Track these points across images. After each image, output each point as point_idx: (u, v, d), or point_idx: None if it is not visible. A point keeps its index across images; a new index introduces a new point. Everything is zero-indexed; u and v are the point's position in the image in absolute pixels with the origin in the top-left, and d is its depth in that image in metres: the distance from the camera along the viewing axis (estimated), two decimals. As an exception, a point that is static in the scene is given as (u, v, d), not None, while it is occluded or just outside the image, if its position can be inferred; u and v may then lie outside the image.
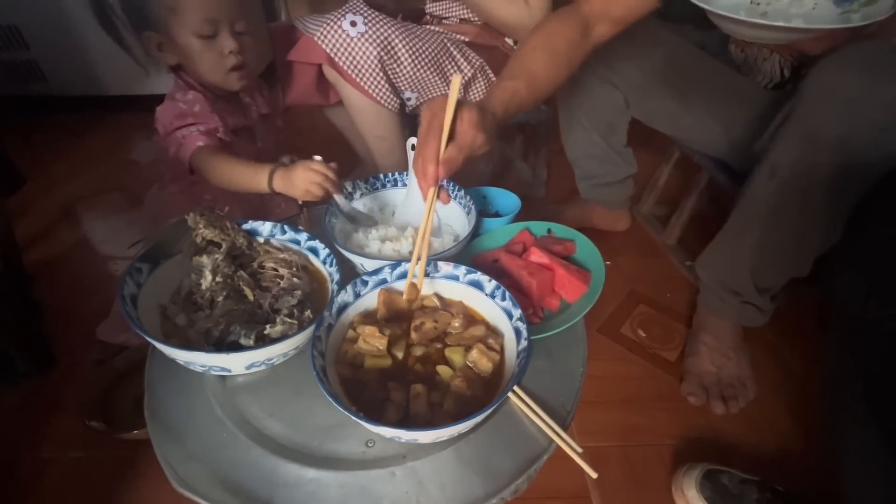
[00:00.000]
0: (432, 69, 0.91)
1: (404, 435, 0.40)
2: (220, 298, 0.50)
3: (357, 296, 0.52)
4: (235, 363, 0.46)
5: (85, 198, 1.33)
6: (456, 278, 0.55)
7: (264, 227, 0.61)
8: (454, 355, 0.48)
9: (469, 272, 0.54)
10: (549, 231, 0.70)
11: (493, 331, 0.51)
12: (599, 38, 0.69)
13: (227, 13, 0.70)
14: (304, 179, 0.62)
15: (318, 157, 0.64)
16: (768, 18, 0.55)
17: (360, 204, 0.73)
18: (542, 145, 1.19)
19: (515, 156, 1.45)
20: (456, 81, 0.50)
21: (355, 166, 1.24)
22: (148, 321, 0.49)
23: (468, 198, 0.68)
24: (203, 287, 0.51)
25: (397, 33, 0.86)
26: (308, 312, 0.51)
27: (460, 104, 0.51)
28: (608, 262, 1.08)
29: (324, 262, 0.58)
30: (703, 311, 0.88)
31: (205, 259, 0.53)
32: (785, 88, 0.80)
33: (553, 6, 0.90)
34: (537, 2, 0.88)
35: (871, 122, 0.51)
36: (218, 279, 0.52)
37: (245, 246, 0.57)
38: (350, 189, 0.71)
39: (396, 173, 0.75)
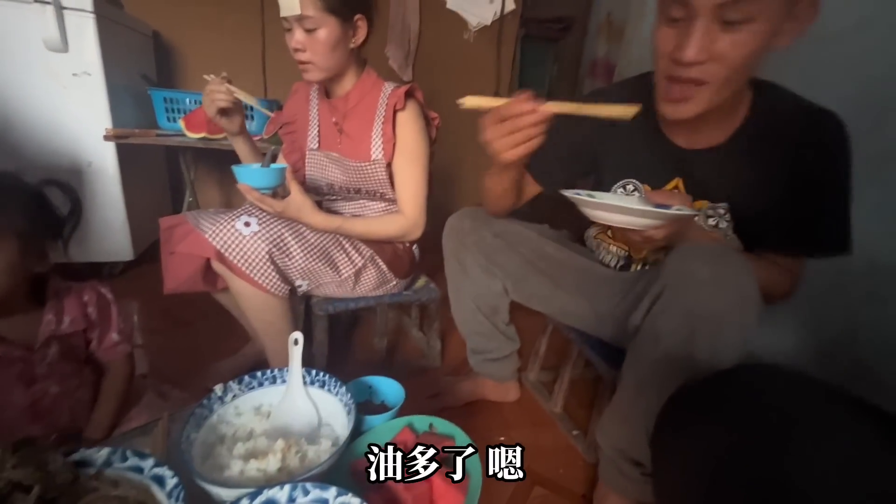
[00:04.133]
0: (322, 260, 0.97)
1: None
2: (8, 574, 0.40)
3: (202, 543, 0.45)
4: None
5: None
6: (325, 502, 0.50)
7: (100, 455, 0.52)
8: None
9: (340, 494, 0.50)
10: (430, 426, 0.70)
11: (362, 569, 0.46)
12: None
13: None
14: None
15: None
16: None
17: (232, 408, 0.68)
18: (433, 320, 1.27)
19: (412, 325, 1.51)
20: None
21: (246, 341, 1.18)
22: None
23: (349, 395, 0.67)
24: (-13, 559, 0.40)
25: (289, 230, 0.93)
26: (132, 578, 0.42)
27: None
28: (502, 438, 1.09)
29: (169, 496, 0.50)
30: (603, 487, 0.86)
31: (2, 514, 0.43)
32: (630, 270, 0.97)
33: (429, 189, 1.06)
34: (412, 209, 1.03)
35: (723, 298, 0.63)
36: (14, 541, 0.41)
37: (68, 483, 0.48)
38: (220, 393, 0.67)
39: (276, 370, 0.73)
